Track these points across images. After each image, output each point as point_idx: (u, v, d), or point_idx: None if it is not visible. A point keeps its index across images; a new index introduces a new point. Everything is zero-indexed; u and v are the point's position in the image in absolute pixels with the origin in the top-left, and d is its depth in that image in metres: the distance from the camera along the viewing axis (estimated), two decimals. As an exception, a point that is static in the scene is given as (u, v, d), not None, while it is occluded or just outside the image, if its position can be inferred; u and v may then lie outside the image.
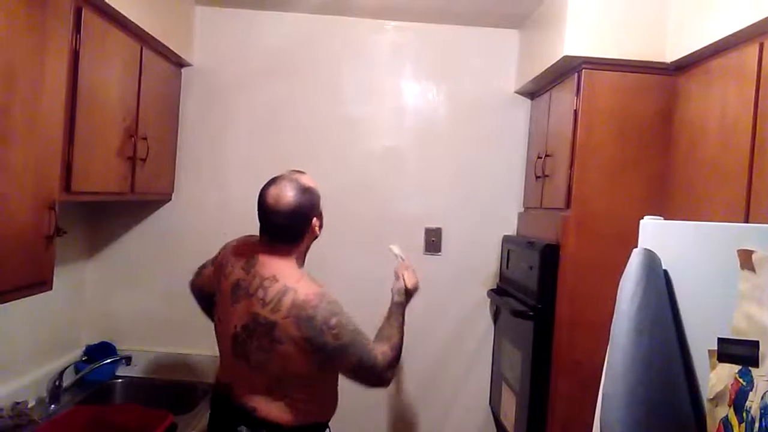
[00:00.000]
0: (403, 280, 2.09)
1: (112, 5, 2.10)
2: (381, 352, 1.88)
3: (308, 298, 1.78)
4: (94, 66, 2.08)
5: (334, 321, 1.77)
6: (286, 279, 1.83)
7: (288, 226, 1.88)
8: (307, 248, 1.98)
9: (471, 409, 3.08)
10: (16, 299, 1.71)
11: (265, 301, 1.81)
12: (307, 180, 1.92)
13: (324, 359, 1.82)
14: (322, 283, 1.88)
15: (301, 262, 1.96)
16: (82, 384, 2.66)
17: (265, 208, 1.89)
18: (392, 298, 2.06)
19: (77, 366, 2.72)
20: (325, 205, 1.96)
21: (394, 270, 2.14)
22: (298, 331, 1.76)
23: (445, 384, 3.08)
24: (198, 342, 2.91)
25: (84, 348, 2.88)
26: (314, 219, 1.92)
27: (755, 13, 1.72)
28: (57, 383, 2.50)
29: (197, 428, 2.36)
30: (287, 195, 1.86)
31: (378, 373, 1.88)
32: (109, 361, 2.72)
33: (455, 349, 3.07)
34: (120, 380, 2.87)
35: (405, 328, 2.06)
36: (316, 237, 1.98)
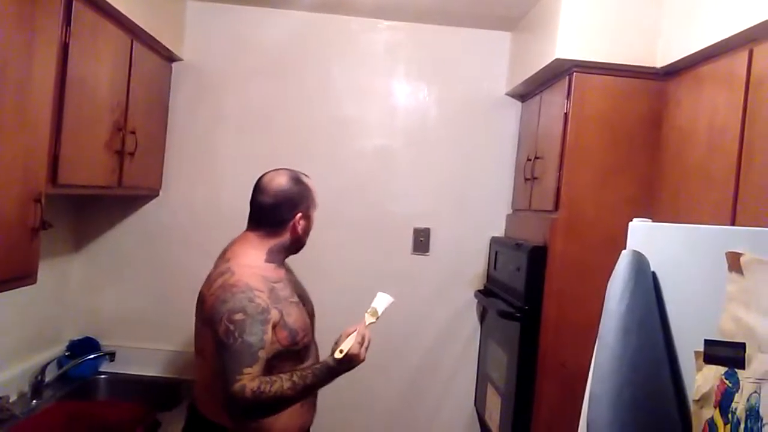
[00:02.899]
0: (350, 339, 1.75)
1: (104, -3, 2.09)
2: (252, 388, 1.63)
3: (236, 285, 1.72)
4: (83, 59, 2.06)
5: (237, 317, 1.67)
6: (236, 261, 1.81)
7: (270, 209, 1.86)
8: (286, 248, 1.90)
9: (456, 409, 3.09)
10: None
11: (209, 278, 1.83)
12: (305, 178, 1.94)
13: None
14: (275, 288, 1.79)
15: (274, 257, 1.87)
16: (65, 379, 2.63)
17: (255, 188, 1.91)
18: (331, 353, 1.75)
19: (60, 361, 2.69)
20: (316, 205, 1.95)
21: (359, 326, 1.82)
22: (210, 311, 1.72)
23: (431, 384, 3.08)
24: (182, 339, 2.89)
25: (67, 343, 2.85)
26: (298, 214, 1.87)
27: (745, 20, 1.74)
28: (39, 378, 2.48)
29: (180, 425, 2.34)
30: (280, 179, 1.88)
31: (228, 399, 1.66)
32: (92, 356, 2.70)
33: (441, 349, 3.08)
34: (103, 376, 2.84)
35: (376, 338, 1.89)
36: (299, 239, 1.91)
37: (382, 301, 1.91)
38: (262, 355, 1.68)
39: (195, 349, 1.87)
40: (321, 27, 3.01)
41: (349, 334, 1.76)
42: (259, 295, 1.72)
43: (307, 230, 1.93)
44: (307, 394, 1.76)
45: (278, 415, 1.75)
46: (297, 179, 1.90)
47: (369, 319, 1.84)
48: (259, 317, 1.69)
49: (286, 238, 1.89)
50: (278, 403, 1.70)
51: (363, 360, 1.75)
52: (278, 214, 1.87)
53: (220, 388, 1.68)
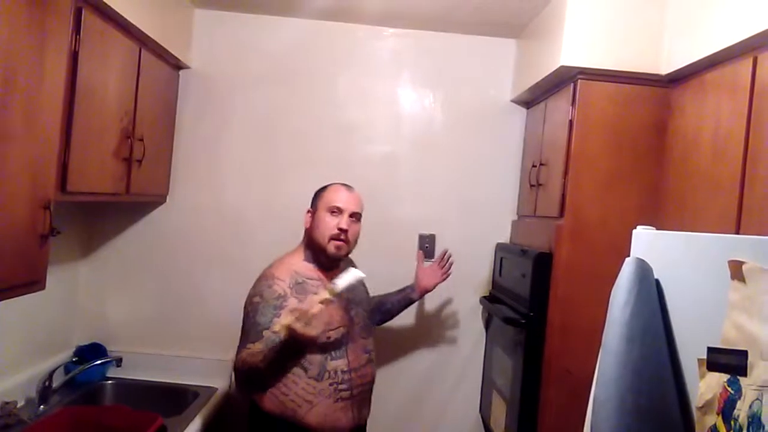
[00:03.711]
0: (285, 316, 1.85)
1: (113, 6, 2.11)
2: (241, 357, 1.91)
3: (263, 275, 2.02)
4: (92, 66, 2.09)
5: (255, 300, 1.95)
6: (277, 259, 2.12)
7: None
8: (310, 245, 2.15)
9: (461, 415, 3.08)
10: (8, 298, 1.70)
11: None
12: (333, 184, 2.21)
13: None
14: (306, 282, 2.03)
15: (310, 257, 2.14)
16: (72, 385, 2.64)
17: None
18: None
19: (67, 367, 2.70)
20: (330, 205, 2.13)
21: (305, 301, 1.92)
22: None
23: (436, 390, 3.08)
24: (189, 345, 2.91)
25: (75, 348, 2.87)
26: (307, 210, 2.18)
27: (749, 28, 1.75)
28: (47, 383, 2.49)
29: (187, 430, 2.35)
30: None
31: (233, 371, 1.98)
32: (99, 362, 2.71)
33: (447, 355, 3.08)
34: (110, 382, 2.85)
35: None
36: (307, 232, 2.16)
37: (347, 277, 1.92)
38: (268, 334, 1.87)
39: None
40: (327, 34, 3.03)
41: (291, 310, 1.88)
42: (278, 283, 1.96)
43: (314, 227, 2.12)
44: (273, 363, 1.88)
45: (310, 408, 1.95)
46: (323, 186, 2.21)
47: (323, 294, 1.86)
48: (273, 302, 1.92)
49: (304, 236, 2.16)
50: (252, 370, 1.88)
51: (306, 335, 1.78)
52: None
53: None
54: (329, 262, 2.15)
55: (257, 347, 1.88)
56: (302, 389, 1.98)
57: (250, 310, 1.95)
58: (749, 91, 1.79)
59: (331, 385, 2.01)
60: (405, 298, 2.59)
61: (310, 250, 2.14)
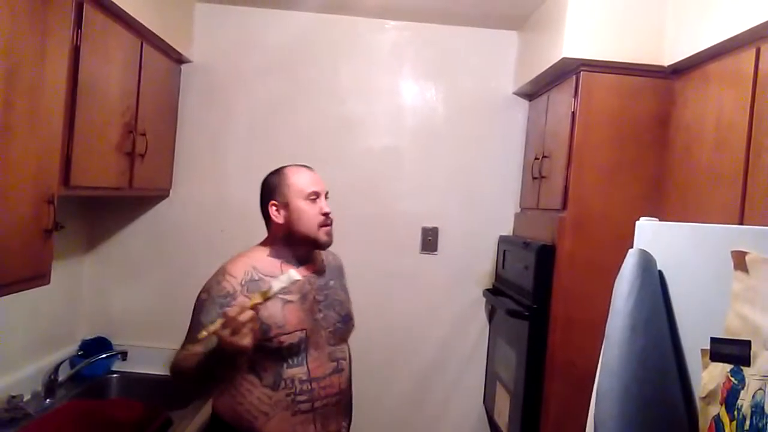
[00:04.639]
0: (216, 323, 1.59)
1: (114, 1, 2.11)
2: (176, 357, 1.77)
3: (220, 268, 1.84)
4: (94, 61, 2.09)
5: (201, 296, 1.80)
6: (238, 254, 1.90)
7: (260, 206, 1.95)
8: (283, 241, 1.88)
9: (465, 408, 3.10)
10: (14, 292, 1.72)
11: None
12: (290, 167, 1.93)
13: None
14: (263, 279, 1.77)
15: (279, 252, 1.87)
16: (78, 378, 2.66)
17: None
18: None
19: (73, 360, 2.72)
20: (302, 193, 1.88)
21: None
22: None
23: (440, 383, 3.09)
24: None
25: (80, 342, 2.88)
26: (272, 203, 1.88)
27: (752, 18, 1.74)
28: (52, 377, 2.51)
29: (192, 424, 2.36)
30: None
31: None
32: (104, 356, 2.73)
33: (450, 348, 3.09)
34: (115, 375, 2.87)
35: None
36: (285, 228, 1.86)
37: (281, 280, 1.67)
38: (203, 327, 1.63)
39: None
40: (328, 28, 3.02)
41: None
42: (228, 279, 1.77)
43: (294, 220, 1.85)
44: (205, 371, 1.67)
45: (267, 421, 1.74)
46: (275, 171, 1.93)
47: (254, 298, 1.61)
48: (219, 300, 1.74)
49: (273, 230, 1.92)
50: (182, 372, 1.74)
51: (233, 343, 1.54)
52: (262, 209, 1.93)
53: None
54: (311, 254, 1.93)
55: (195, 349, 1.68)
56: (257, 399, 1.77)
57: (196, 307, 1.79)
58: (752, 82, 1.79)
59: (288, 395, 1.77)
60: None
61: (283, 246, 1.88)
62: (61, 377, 2.56)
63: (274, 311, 1.76)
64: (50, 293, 2.42)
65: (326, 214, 1.88)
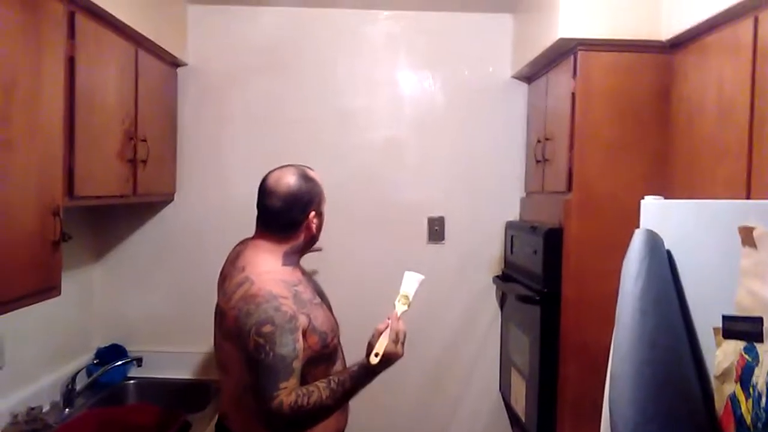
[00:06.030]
0: (383, 339, 1.63)
1: (105, 9, 2.10)
2: (289, 403, 1.57)
3: (258, 294, 1.63)
4: (90, 70, 2.08)
5: (265, 330, 1.58)
6: (253, 269, 1.72)
7: (282, 212, 1.77)
8: (301, 248, 1.83)
9: (481, 395, 3.10)
10: (26, 306, 1.73)
11: (226, 291, 1.74)
12: (312, 172, 1.84)
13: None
14: (297, 292, 1.71)
15: (290, 259, 1.80)
16: (95, 387, 2.68)
17: (262, 190, 1.81)
18: (366, 354, 1.66)
19: (89, 369, 2.74)
20: (325, 199, 1.88)
21: (389, 318, 1.70)
22: (235, 325, 1.64)
23: (455, 371, 3.09)
24: (207, 340, 2.92)
25: (95, 351, 2.90)
26: (312, 213, 1.79)
27: (749, -13, 1.72)
28: (70, 387, 2.53)
29: (211, 426, 2.38)
30: (288, 179, 1.78)
31: (267, 417, 1.60)
32: (120, 363, 2.75)
33: (463, 336, 3.09)
34: (132, 381, 2.89)
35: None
36: (313, 238, 1.83)
37: (411, 283, 1.75)
38: (297, 365, 1.60)
39: (217, 363, 1.80)
40: (322, 21, 3.01)
41: (381, 332, 1.64)
42: (284, 303, 1.63)
43: (320, 227, 1.85)
44: (347, 399, 1.67)
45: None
46: (305, 176, 1.81)
47: (400, 308, 1.69)
48: (288, 326, 1.60)
49: (300, 239, 1.80)
50: (318, 413, 1.62)
51: (402, 355, 1.65)
52: (290, 216, 1.78)
53: (253, 403, 1.61)
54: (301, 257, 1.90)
55: (312, 387, 1.62)
56: None
57: (263, 343, 1.58)
58: (752, 51, 1.77)
59: None
60: None
61: (294, 254, 1.82)
62: (78, 386, 2.58)
63: (323, 318, 1.76)
64: (63, 304, 2.42)
65: None
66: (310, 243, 1.85)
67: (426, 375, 3.08)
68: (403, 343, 1.65)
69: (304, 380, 1.65)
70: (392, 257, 3.00)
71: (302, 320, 1.65)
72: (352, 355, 1.82)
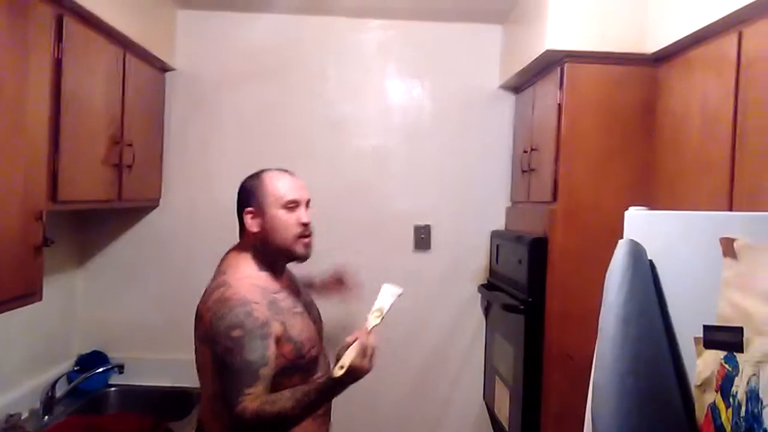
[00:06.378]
0: (351, 352, 1.53)
1: (94, 12, 2.09)
2: (252, 409, 1.53)
3: (231, 297, 1.62)
4: (77, 73, 2.07)
5: (235, 334, 1.56)
6: (232, 273, 1.71)
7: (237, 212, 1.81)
8: (263, 251, 1.76)
9: (465, 404, 3.10)
10: (6, 311, 1.71)
11: (205, 293, 1.72)
12: (268, 172, 1.80)
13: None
14: (275, 299, 1.68)
15: (264, 265, 1.76)
16: (75, 394, 2.65)
17: None
18: (333, 365, 1.56)
19: (70, 376, 2.70)
20: (312, 205, 1.84)
21: (361, 333, 1.58)
22: (209, 328, 1.62)
23: (439, 380, 3.09)
24: (190, 348, 2.90)
25: (76, 358, 2.87)
26: (248, 210, 1.75)
27: (734, 2, 1.74)
28: (50, 394, 2.50)
29: (192, 433, 2.36)
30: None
31: (231, 422, 1.56)
32: (101, 369, 2.72)
33: (448, 345, 3.09)
34: (113, 389, 2.86)
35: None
36: (261, 237, 1.75)
37: (386, 297, 1.68)
38: (265, 372, 1.57)
39: (196, 367, 1.76)
40: (312, 29, 3.01)
41: (350, 345, 1.55)
42: (256, 308, 1.61)
43: (269, 230, 1.74)
44: (312, 410, 1.60)
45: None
46: (252, 175, 1.80)
47: (372, 321, 1.61)
48: (258, 332, 1.58)
49: (249, 239, 1.77)
50: (282, 422, 1.57)
51: (369, 370, 1.54)
52: (238, 215, 1.80)
53: (221, 409, 1.59)
54: (282, 267, 1.83)
55: (279, 395, 1.57)
56: None
57: (231, 347, 1.56)
58: (735, 66, 1.79)
59: None
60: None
61: (264, 257, 1.76)
62: (58, 393, 2.55)
63: (302, 327, 1.72)
64: (44, 309, 2.40)
65: (305, 225, 1.76)
66: (267, 246, 1.76)
67: (410, 382, 3.08)
68: (371, 358, 1.55)
69: (277, 390, 1.61)
70: (378, 264, 2.99)
71: (276, 327, 1.63)
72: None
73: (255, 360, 1.56)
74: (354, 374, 1.52)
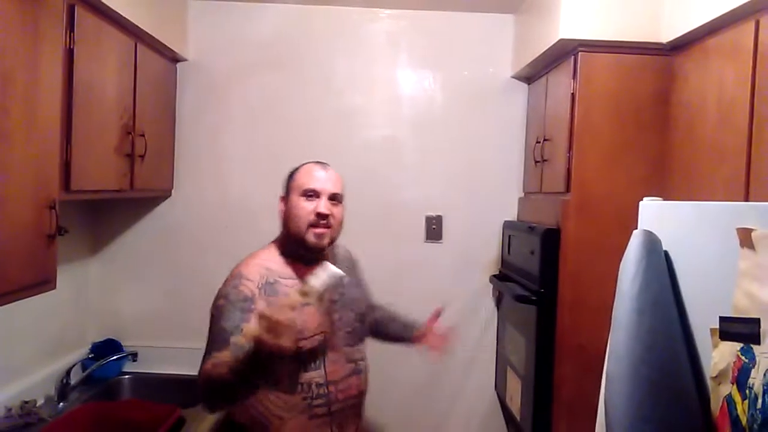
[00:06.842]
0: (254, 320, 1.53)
1: (105, 2, 2.09)
2: (205, 370, 1.59)
3: (232, 273, 1.77)
4: (89, 64, 2.08)
5: (219, 303, 1.71)
6: (251, 254, 1.85)
7: None
8: (289, 238, 1.83)
9: (477, 394, 3.10)
10: (20, 299, 1.71)
11: None
12: (305, 165, 1.89)
13: None
14: (278, 282, 1.73)
15: (289, 250, 1.83)
16: (90, 381, 2.67)
17: None
18: None
19: (84, 363, 2.73)
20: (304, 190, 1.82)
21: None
22: None
23: (451, 370, 3.09)
24: (202, 335, 2.92)
25: (90, 345, 2.90)
26: (280, 197, 1.89)
27: (750, -10, 1.72)
28: (64, 381, 2.53)
29: (205, 422, 2.37)
30: None
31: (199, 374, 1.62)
32: (115, 357, 2.74)
33: (459, 335, 3.08)
34: (127, 376, 2.88)
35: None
36: (283, 224, 1.85)
37: (322, 276, 1.55)
38: (236, 341, 1.55)
39: None
40: (323, 19, 3.00)
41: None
42: (245, 284, 1.71)
43: (286, 216, 1.83)
44: (244, 377, 1.51)
45: (282, 425, 1.70)
46: (296, 167, 1.91)
47: (295, 298, 1.50)
48: (239, 304, 1.66)
49: (283, 227, 1.88)
50: (225, 387, 1.55)
51: (281, 345, 1.41)
52: None
53: None
54: (309, 255, 1.80)
55: (224, 357, 1.56)
56: (271, 402, 1.72)
57: (214, 314, 1.69)
58: (752, 55, 1.77)
59: (304, 399, 1.73)
60: (401, 338, 2.22)
61: (287, 244, 1.84)
62: (73, 381, 2.58)
63: (305, 316, 1.69)
64: (58, 298, 2.43)
65: (320, 215, 1.77)
66: (288, 230, 1.83)
67: (422, 372, 3.08)
68: (276, 334, 1.41)
69: (272, 377, 1.66)
70: (390, 256, 3.00)
71: (261, 305, 1.65)
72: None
73: (228, 328, 1.64)
74: (259, 346, 1.43)
